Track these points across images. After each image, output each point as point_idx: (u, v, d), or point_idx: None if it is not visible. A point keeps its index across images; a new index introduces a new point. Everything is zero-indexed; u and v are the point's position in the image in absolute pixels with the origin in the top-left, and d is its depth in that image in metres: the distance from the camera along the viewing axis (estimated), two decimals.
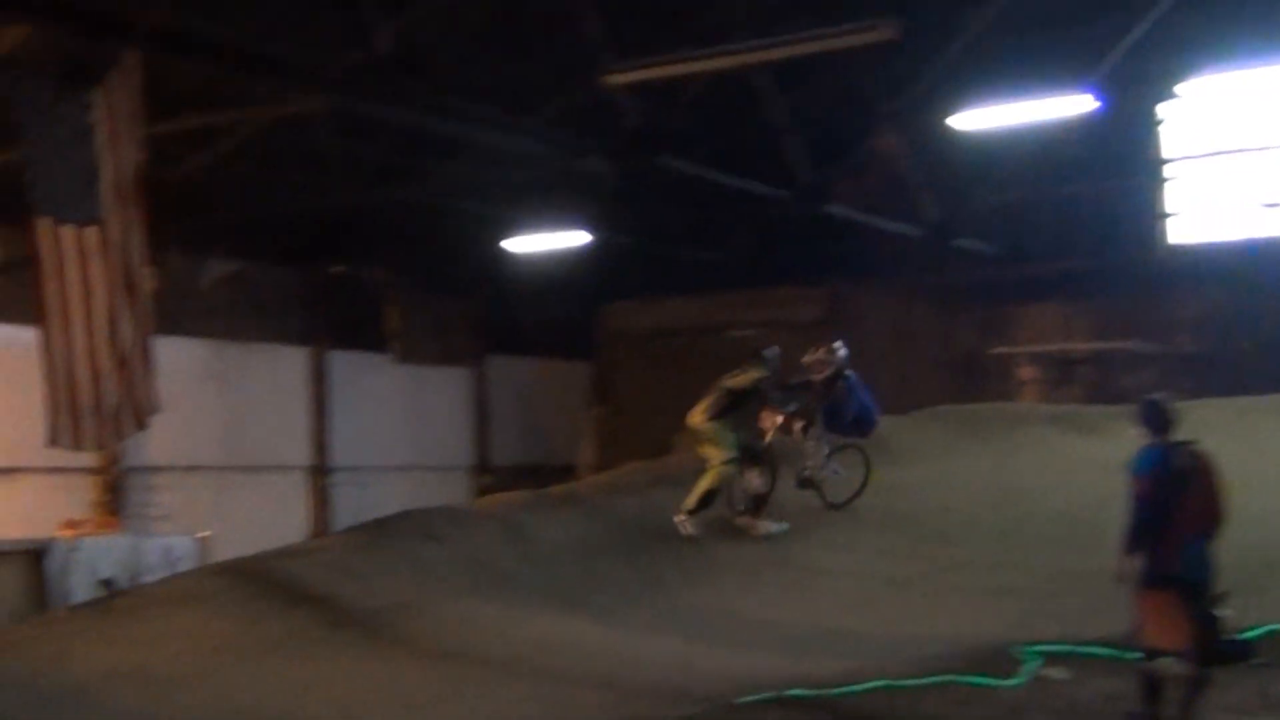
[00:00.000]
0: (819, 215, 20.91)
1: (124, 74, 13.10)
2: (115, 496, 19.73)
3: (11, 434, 17.85)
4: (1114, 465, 8.62)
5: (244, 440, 21.81)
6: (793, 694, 8.58)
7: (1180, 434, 8.25)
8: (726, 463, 13.81)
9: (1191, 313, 22.47)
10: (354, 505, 21.27)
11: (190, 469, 20.86)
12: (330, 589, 11.37)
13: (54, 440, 13.54)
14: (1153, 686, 8.00)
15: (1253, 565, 10.42)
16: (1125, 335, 22.79)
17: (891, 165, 21.41)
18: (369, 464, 23.35)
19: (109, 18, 12.78)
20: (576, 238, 21.50)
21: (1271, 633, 9.40)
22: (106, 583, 16.23)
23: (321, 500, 22.75)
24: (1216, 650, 7.99)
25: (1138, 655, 8.13)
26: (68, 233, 13.08)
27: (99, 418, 13.49)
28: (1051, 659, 9.36)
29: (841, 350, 14.78)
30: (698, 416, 14.01)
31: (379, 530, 13.15)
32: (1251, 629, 9.10)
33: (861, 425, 14.86)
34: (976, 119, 17.29)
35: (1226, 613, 8.12)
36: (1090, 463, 14.74)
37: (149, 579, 15.04)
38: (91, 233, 13.19)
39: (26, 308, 14.61)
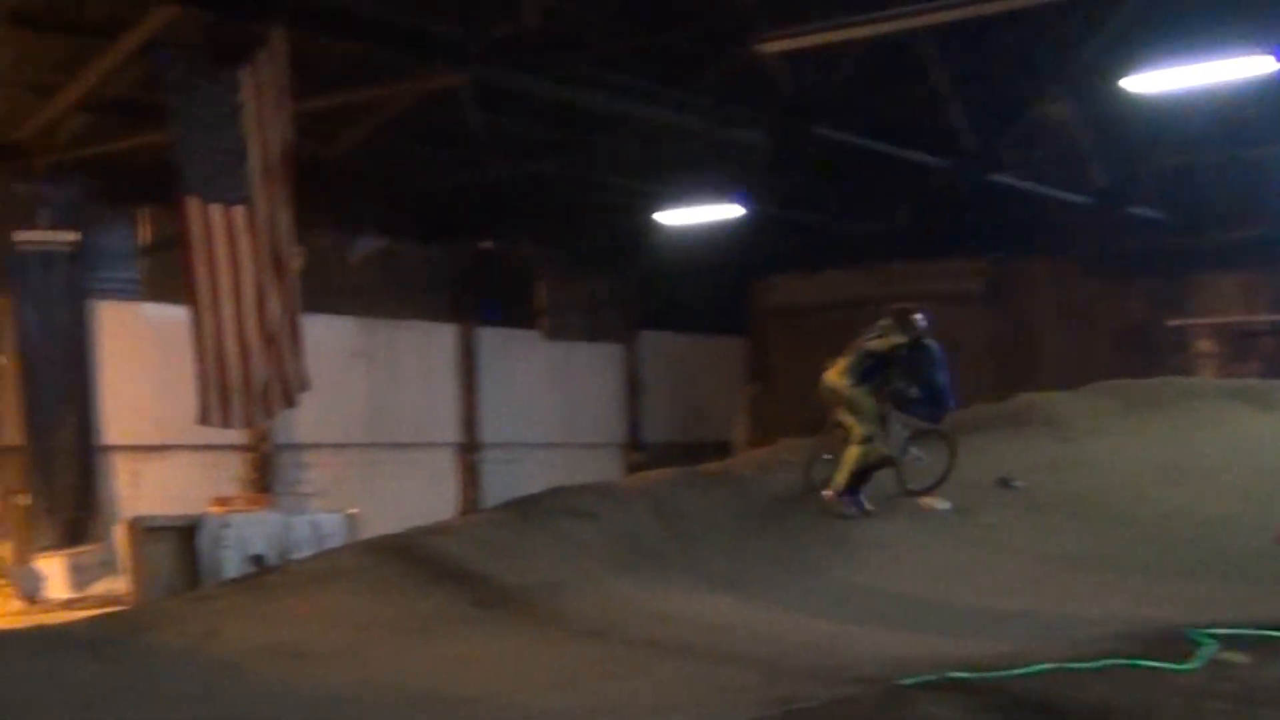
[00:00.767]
0: (983, 184, 20.59)
1: (271, 53, 13.34)
2: (265, 474, 20.20)
3: (163, 412, 18.35)
4: None
5: (392, 417, 22.15)
6: (954, 676, 8.41)
7: None
8: (866, 440, 13.46)
9: None
10: (503, 482, 21.51)
11: (339, 446, 21.26)
12: (479, 566, 11.47)
13: (204, 418, 13.91)
14: None
15: None
16: None
17: (1060, 131, 20.97)
18: (518, 440, 23.61)
19: None
20: (730, 211, 21.42)
21: None
22: (256, 559, 16.62)
23: (470, 477, 23.04)
24: None
25: None
26: (216, 212, 13.40)
27: (248, 395, 13.82)
28: (1229, 642, 9.09)
29: (922, 320, 13.96)
30: (836, 377, 13.57)
31: (528, 507, 13.23)
32: None
33: (932, 408, 13.96)
34: (1151, 82, 16.81)
35: None
36: (1270, 439, 14.35)
37: (298, 555, 15.36)
38: (240, 212, 13.50)
39: (176, 287, 15.05)
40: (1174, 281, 23.59)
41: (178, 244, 14.15)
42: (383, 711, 8.18)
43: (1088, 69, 19.08)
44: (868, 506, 13.50)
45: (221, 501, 18.31)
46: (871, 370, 13.55)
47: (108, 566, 18.05)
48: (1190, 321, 23.40)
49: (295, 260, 14.27)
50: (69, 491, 18.16)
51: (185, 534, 17.30)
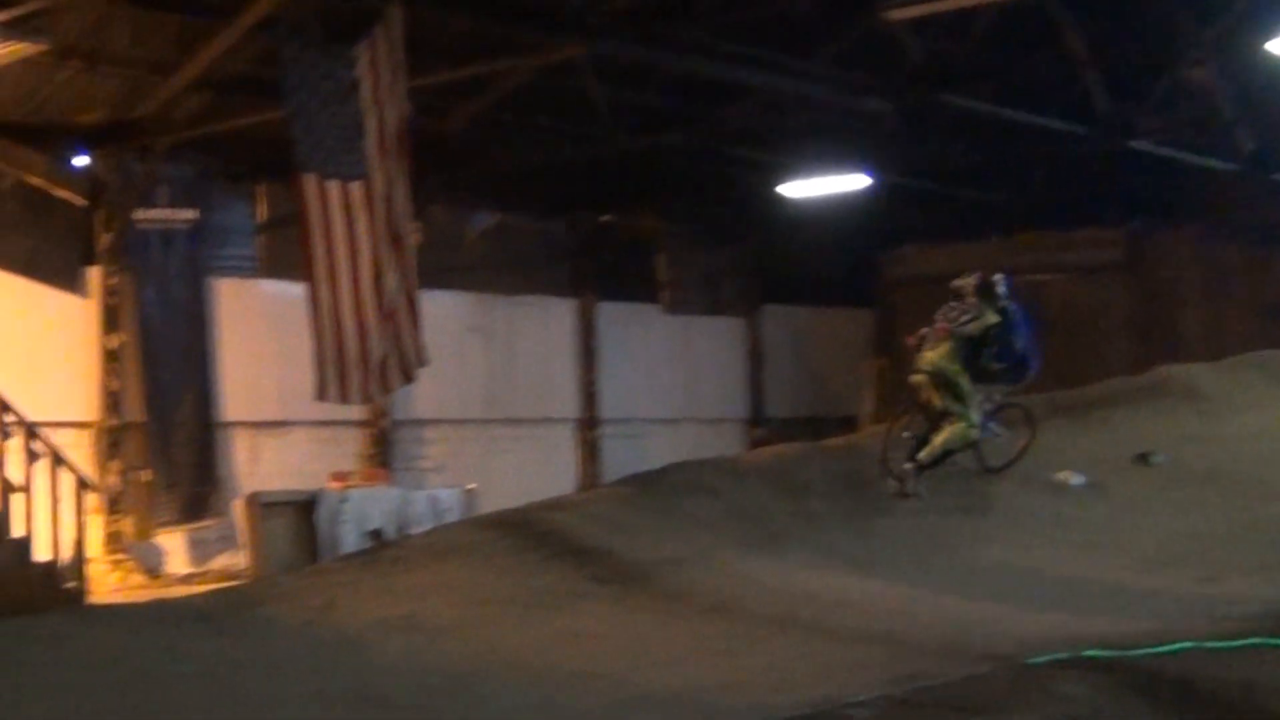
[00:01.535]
0: (1120, 151, 20.23)
1: (387, 28, 13.44)
2: (383, 449, 20.42)
3: (281, 388, 18.63)
4: None
5: (511, 393, 22.31)
6: (1088, 655, 8.31)
7: None
8: (969, 424, 13.15)
9: None
10: (623, 458, 21.55)
11: (457, 422, 21.46)
12: (598, 542, 11.53)
13: (321, 394, 14.07)
14: None
15: None
16: None
17: (1201, 96, 20.52)
18: (639, 416, 23.67)
19: None
20: (855, 181, 21.25)
21: None
22: (374, 534, 16.85)
23: (590, 453, 23.15)
24: None
25: None
26: (333, 188, 13.53)
27: (365, 371, 13.95)
28: None
29: (1003, 285, 13.67)
30: (942, 360, 13.26)
31: (648, 483, 13.26)
32: None
33: (1014, 373, 13.67)
34: None
35: None
36: None
37: (416, 530, 15.53)
38: (356, 188, 13.61)
39: (293, 264, 15.24)
40: None
41: (295, 221, 14.31)
42: (500, 685, 8.26)
43: (1231, 30, 18.63)
44: (916, 488, 13.16)
45: (339, 477, 18.56)
46: (970, 353, 13.38)
47: (227, 541, 18.42)
48: None
49: (412, 236, 14.38)
50: (189, 467, 18.51)
51: (304, 509, 17.60)
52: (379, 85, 13.52)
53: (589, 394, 23.31)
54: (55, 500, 14.75)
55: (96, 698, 7.62)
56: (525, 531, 11.76)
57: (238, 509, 18.20)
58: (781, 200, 22.11)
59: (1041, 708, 7.32)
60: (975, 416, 13.22)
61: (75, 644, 8.92)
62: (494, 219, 22.49)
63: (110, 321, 18.08)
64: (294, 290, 15.11)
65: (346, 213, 13.68)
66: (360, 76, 13.49)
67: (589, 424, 23.25)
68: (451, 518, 16.88)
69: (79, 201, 18.01)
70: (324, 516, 17.40)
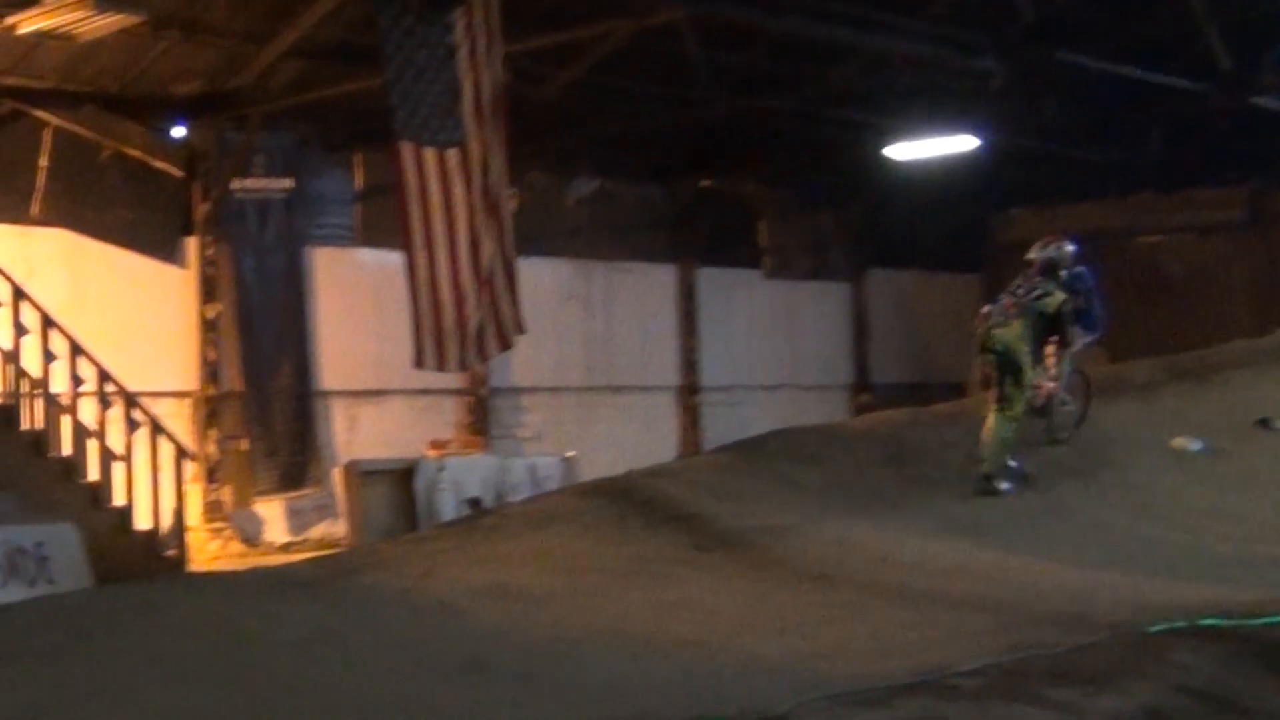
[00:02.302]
0: (1242, 108, 19.84)
1: None
2: (481, 417, 20.55)
3: (379, 357, 18.80)
4: None
5: (610, 360, 22.36)
6: (1208, 623, 8.19)
7: None
8: (1018, 414, 12.80)
9: None
10: (724, 425, 21.56)
11: (555, 390, 21.55)
12: (699, 509, 11.51)
13: (419, 362, 14.18)
14: None
15: None
16: None
17: None
18: (740, 383, 23.68)
19: None
20: (964, 142, 21.01)
21: None
22: (473, 502, 16.98)
23: (691, 420, 23.16)
24: None
25: None
26: (430, 155, 13.59)
27: (463, 339, 14.04)
28: None
29: (1071, 247, 13.46)
30: (1015, 339, 12.98)
31: (750, 450, 13.23)
32: None
33: (1084, 335, 13.58)
34: None
35: None
36: None
37: (515, 498, 15.62)
38: (453, 155, 13.68)
39: (390, 232, 15.35)
40: None
41: (392, 189, 14.41)
42: (600, 653, 8.26)
43: None
44: (1027, 470, 12.85)
45: (437, 445, 18.72)
46: (1041, 332, 13.12)
47: (325, 510, 18.68)
48: None
49: (509, 202, 14.45)
50: (287, 436, 18.75)
51: (402, 477, 17.78)
52: (476, 51, 13.58)
53: (689, 361, 23.31)
54: (155, 469, 15.06)
55: (196, 664, 7.71)
56: (625, 499, 11.77)
57: (336, 477, 18.43)
58: (887, 163, 21.91)
59: (1157, 677, 7.21)
60: (1020, 408, 12.84)
61: (175, 611, 9.04)
62: (593, 184, 22.52)
63: (208, 291, 18.33)
64: (391, 258, 15.24)
65: (443, 180, 13.75)
66: (457, 42, 13.55)
67: (689, 391, 23.26)
68: (551, 486, 16.97)
69: (177, 172, 18.27)
70: (422, 485, 17.57)
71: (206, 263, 18.35)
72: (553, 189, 22.00)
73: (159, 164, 18.08)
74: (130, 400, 15.17)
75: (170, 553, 15.01)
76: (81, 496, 14.52)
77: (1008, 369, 12.94)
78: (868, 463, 12.83)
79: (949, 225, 25.24)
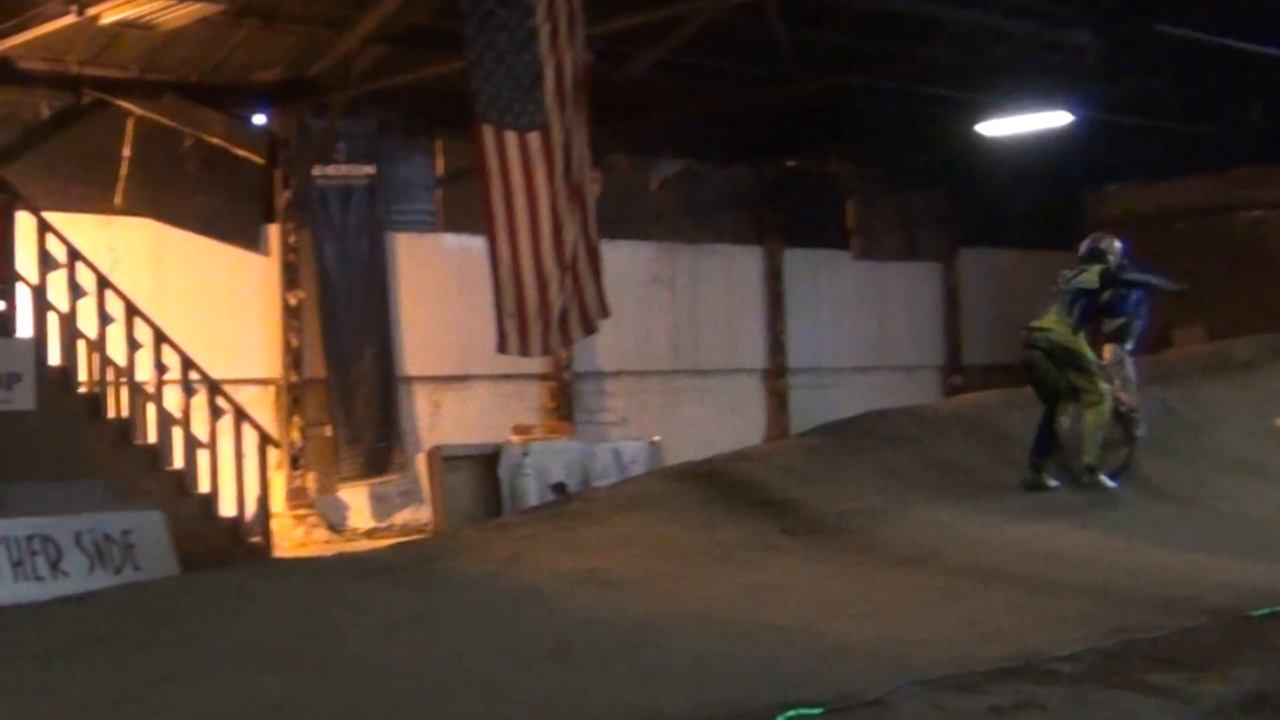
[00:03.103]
0: None
1: None
2: (565, 401, 20.58)
3: (461, 342, 18.88)
4: None
5: (696, 343, 22.33)
6: None
7: None
8: (1100, 399, 12.32)
9: None
10: (813, 408, 21.45)
11: (641, 374, 21.53)
12: (787, 493, 11.48)
13: (502, 347, 14.19)
14: None
15: None
16: None
17: None
18: (829, 365, 23.58)
19: None
20: (1058, 118, 20.76)
21: None
22: (558, 487, 17.01)
23: (779, 403, 23.10)
24: None
25: None
26: (511, 139, 13.58)
27: (546, 324, 14.03)
28: None
29: (1119, 245, 13.02)
30: (1052, 321, 12.66)
31: (840, 432, 13.18)
32: None
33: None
34: None
35: None
36: None
37: (600, 483, 15.63)
38: (535, 138, 13.66)
39: (473, 216, 15.39)
40: None
41: (473, 173, 14.44)
42: (688, 638, 8.24)
43: None
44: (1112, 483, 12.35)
45: (521, 430, 18.76)
46: (1085, 312, 12.68)
47: (410, 496, 18.80)
48: None
49: (592, 186, 14.43)
50: (370, 422, 18.86)
51: (486, 463, 17.84)
52: (557, 33, 13.56)
53: (777, 343, 23.24)
54: (239, 456, 15.19)
55: (282, 651, 7.78)
56: (713, 484, 11.76)
57: (420, 463, 18.54)
58: (979, 140, 21.69)
59: (1259, 662, 7.13)
60: (1105, 386, 12.43)
61: (261, 597, 9.13)
62: (677, 166, 22.47)
63: (290, 278, 18.46)
64: (474, 243, 15.30)
65: (525, 164, 13.74)
66: (538, 25, 13.52)
67: (777, 373, 23.19)
68: (636, 470, 16.97)
69: (258, 160, 18.40)
70: (506, 470, 17.61)
71: (288, 250, 18.48)
72: (636, 171, 21.98)
73: (240, 152, 18.23)
74: (214, 388, 15.30)
75: (255, 540, 15.14)
76: (167, 484, 14.67)
77: (1062, 365, 12.54)
78: (962, 445, 12.75)
79: (1043, 202, 24.93)
